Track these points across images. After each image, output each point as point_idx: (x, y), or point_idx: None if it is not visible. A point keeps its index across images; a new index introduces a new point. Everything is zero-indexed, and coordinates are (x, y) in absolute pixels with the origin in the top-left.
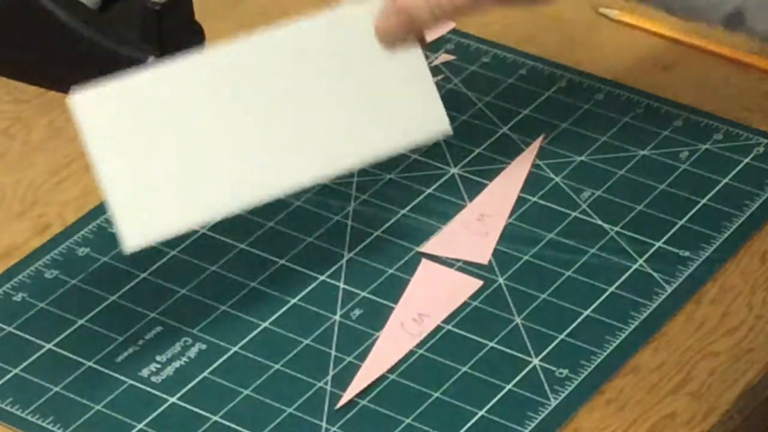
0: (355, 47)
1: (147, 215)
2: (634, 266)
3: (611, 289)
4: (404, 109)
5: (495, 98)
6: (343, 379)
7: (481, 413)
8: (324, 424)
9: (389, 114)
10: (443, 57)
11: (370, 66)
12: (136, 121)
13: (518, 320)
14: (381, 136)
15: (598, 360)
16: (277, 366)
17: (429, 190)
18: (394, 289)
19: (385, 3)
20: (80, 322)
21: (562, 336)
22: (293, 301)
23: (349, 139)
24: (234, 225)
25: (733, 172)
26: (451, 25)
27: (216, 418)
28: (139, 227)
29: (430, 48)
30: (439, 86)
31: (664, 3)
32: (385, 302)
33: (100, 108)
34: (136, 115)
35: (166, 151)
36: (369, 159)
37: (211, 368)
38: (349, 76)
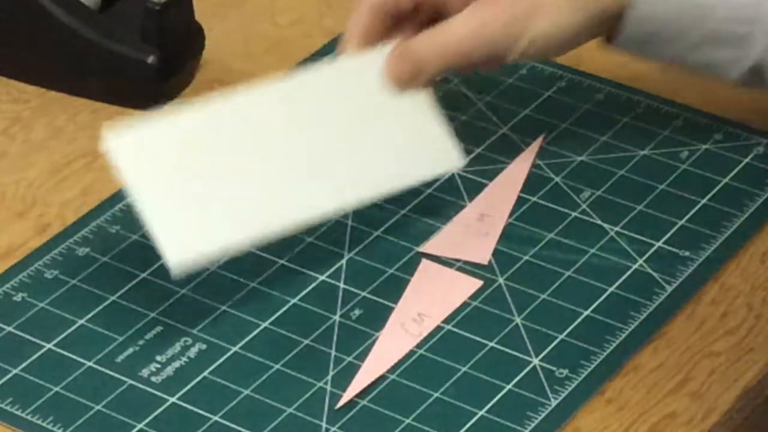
0: (367, 92)
1: (190, 237)
2: (634, 266)
3: (611, 289)
4: (417, 146)
5: (495, 98)
6: (343, 379)
7: (481, 413)
8: (324, 424)
9: (403, 151)
10: None
11: (383, 108)
12: (172, 158)
13: (518, 320)
14: (396, 170)
15: (598, 360)
16: (277, 366)
17: (429, 190)
18: (394, 289)
19: (394, 50)
20: (80, 322)
21: (562, 336)
22: (293, 301)
23: (368, 173)
24: None
25: (733, 172)
26: None
27: (216, 418)
28: (183, 249)
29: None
30: (439, 86)
31: (679, 57)
32: (385, 302)
33: (137, 149)
34: (172, 152)
35: (202, 180)
36: (386, 192)
37: (211, 368)
38: (365, 117)
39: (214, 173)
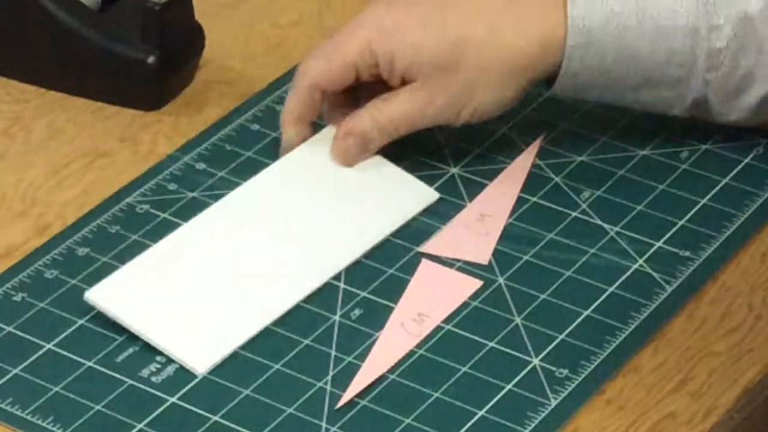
0: (327, 169)
1: (205, 344)
2: (634, 266)
3: (611, 289)
4: (391, 195)
5: None
6: (343, 379)
7: (481, 413)
8: (324, 424)
9: (381, 205)
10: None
11: (347, 177)
12: (160, 283)
13: (518, 320)
14: (380, 223)
15: (598, 360)
16: (277, 366)
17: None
18: (394, 289)
19: (341, 129)
20: (80, 322)
21: (562, 336)
22: None
23: (355, 236)
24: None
25: (733, 172)
26: None
27: (216, 418)
28: (203, 355)
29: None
30: None
31: (618, 100)
32: (385, 302)
33: (120, 290)
34: (157, 279)
35: (199, 291)
36: (378, 242)
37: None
38: (335, 191)
39: (209, 280)
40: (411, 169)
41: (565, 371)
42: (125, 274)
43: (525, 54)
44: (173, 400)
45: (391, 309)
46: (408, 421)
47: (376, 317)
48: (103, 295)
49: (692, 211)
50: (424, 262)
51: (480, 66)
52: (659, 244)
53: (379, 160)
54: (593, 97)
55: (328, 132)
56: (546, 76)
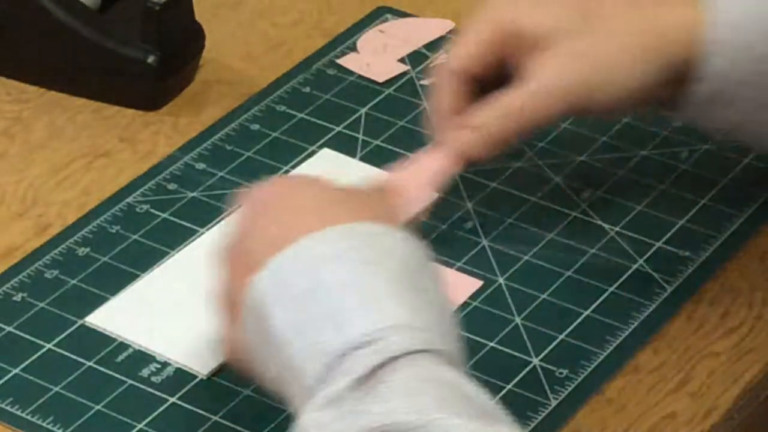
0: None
1: (205, 345)
2: (634, 266)
3: (611, 289)
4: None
5: None
6: None
7: None
8: None
9: None
10: (443, 57)
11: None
12: (156, 302)
13: (518, 320)
14: None
15: (598, 360)
16: None
17: None
18: None
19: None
20: (80, 322)
21: (562, 336)
22: None
23: None
24: None
25: (733, 172)
26: (450, 25)
27: (216, 418)
28: (209, 360)
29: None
30: None
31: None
32: None
33: (120, 311)
34: (154, 299)
35: (197, 301)
36: None
37: None
38: None
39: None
40: None
41: (565, 371)
42: (123, 299)
43: (662, 33)
44: (173, 400)
45: None
46: None
47: None
48: (103, 317)
49: (692, 211)
50: None
51: (615, 32)
52: (659, 244)
53: (375, 171)
54: (726, 115)
55: (323, 155)
56: (677, 75)
